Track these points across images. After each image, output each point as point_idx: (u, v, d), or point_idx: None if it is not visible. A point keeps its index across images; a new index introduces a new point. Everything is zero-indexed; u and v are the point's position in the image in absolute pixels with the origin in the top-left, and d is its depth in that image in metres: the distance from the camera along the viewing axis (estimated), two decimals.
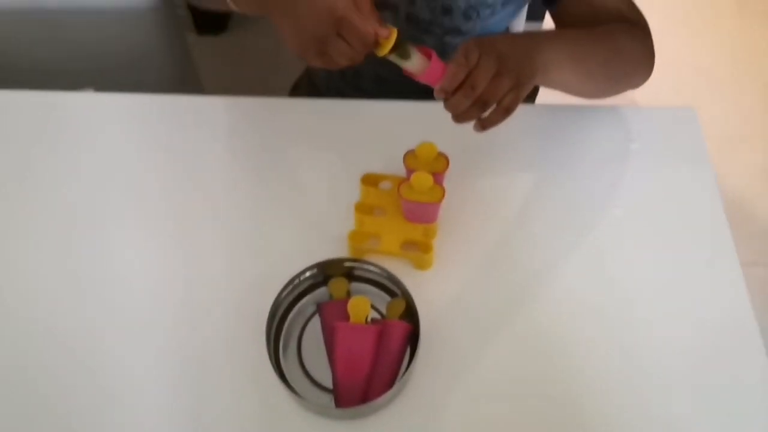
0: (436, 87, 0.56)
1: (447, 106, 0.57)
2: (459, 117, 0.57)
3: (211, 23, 1.92)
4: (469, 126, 0.60)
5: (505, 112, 0.57)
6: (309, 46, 0.55)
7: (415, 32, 0.80)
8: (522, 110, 0.61)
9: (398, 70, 0.59)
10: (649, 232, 0.71)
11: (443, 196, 0.65)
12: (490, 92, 0.55)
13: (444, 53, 0.59)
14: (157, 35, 1.10)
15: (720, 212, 0.72)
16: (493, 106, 0.57)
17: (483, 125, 0.59)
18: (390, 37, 0.55)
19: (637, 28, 0.73)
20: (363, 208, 0.69)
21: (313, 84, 1.03)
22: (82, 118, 0.83)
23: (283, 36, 0.57)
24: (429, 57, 0.57)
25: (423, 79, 0.58)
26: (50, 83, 0.87)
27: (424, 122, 0.75)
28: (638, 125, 0.82)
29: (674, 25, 1.99)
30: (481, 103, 0.56)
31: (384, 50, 0.56)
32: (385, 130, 0.80)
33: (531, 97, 1.04)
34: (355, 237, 0.67)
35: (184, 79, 1.23)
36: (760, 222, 1.60)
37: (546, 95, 1.00)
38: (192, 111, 0.84)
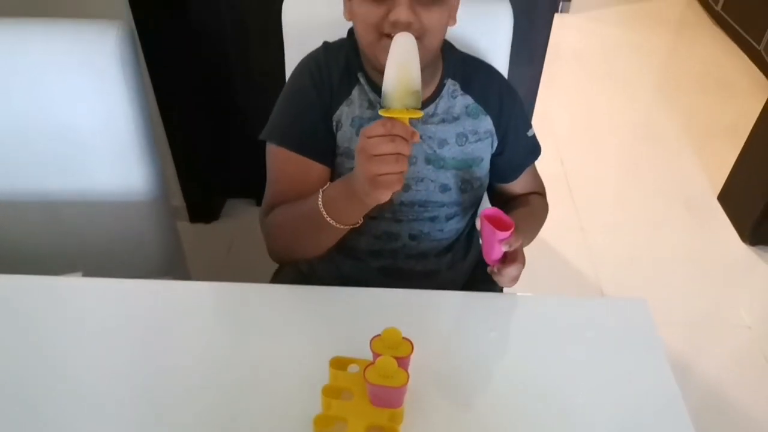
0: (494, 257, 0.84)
1: (502, 270, 0.85)
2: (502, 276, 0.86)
3: (205, 212, 2.07)
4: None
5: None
6: (373, 186, 0.72)
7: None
8: (486, 298, 0.85)
9: (392, 244, 0.83)
10: (605, 418, 0.72)
11: (407, 380, 0.67)
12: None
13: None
14: (152, 224, 1.19)
15: (678, 400, 0.74)
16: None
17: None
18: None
19: (543, 197, 1.10)
20: (330, 392, 0.70)
21: (295, 267, 1.10)
22: (69, 302, 0.87)
23: (369, 201, 0.76)
24: (510, 227, 0.81)
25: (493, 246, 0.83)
26: (41, 265, 0.92)
27: (393, 308, 0.82)
28: (594, 314, 0.87)
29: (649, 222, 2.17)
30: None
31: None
32: (357, 315, 0.85)
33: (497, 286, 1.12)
34: (320, 422, 0.67)
35: (172, 263, 1.30)
36: (727, 412, 1.59)
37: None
38: (176, 296, 0.89)
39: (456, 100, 0.95)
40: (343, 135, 0.93)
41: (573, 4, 3.63)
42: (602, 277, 1.93)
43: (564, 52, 3.21)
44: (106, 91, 1.02)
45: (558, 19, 2.41)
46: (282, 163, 0.93)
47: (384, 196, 0.73)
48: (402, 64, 0.73)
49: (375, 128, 0.71)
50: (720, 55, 3.27)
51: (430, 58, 0.88)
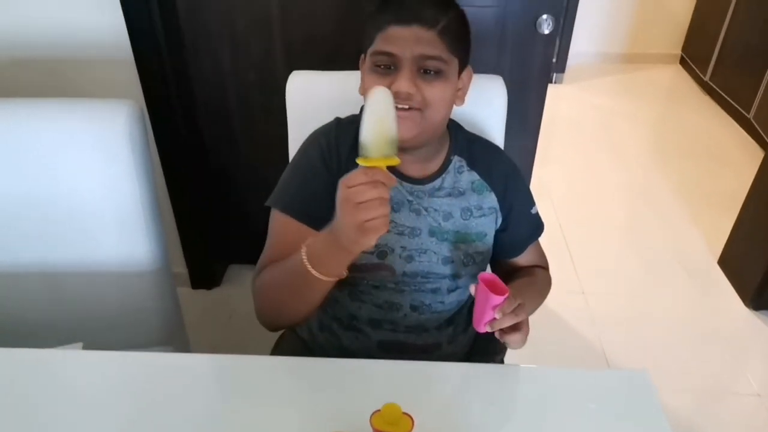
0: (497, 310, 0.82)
1: (497, 323, 0.82)
2: (500, 330, 0.84)
3: (207, 279, 2.08)
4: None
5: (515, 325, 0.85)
6: (361, 233, 0.72)
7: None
8: (487, 370, 0.86)
9: (393, 314, 0.88)
10: None
11: None
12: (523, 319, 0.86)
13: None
14: (154, 294, 1.20)
15: None
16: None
17: (503, 332, 0.85)
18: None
19: (546, 271, 1.11)
20: None
21: (297, 336, 1.11)
22: (69, 375, 0.87)
23: (355, 249, 0.77)
24: (504, 293, 0.82)
25: (485, 311, 0.83)
26: (41, 335, 0.92)
27: (394, 380, 0.81)
28: (596, 386, 0.87)
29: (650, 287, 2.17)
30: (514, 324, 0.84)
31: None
32: (357, 388, 0.84)
33: (500, 354, 1.11)
34: None
35: (172, 332, 1.30)
36: None
37: (511, 356, 1.08)
38: (176, 368, 0.89)
39: (462, 175, 0.99)
40: None
41: (566, 75, 3.76)
42: (605, 342, 1.91)
43: (559, 122, 3.31)
44: (114, 167, 1.06)
45: (552, 89, 2.51)
46: (282, 228, 0.95)
47: (372, 241, 0.74)
48: (379, 116, 0.74)
49: (356, 177, 0.72)
50: (710, 122, 3.37)
51: (432, 131, 0.91)
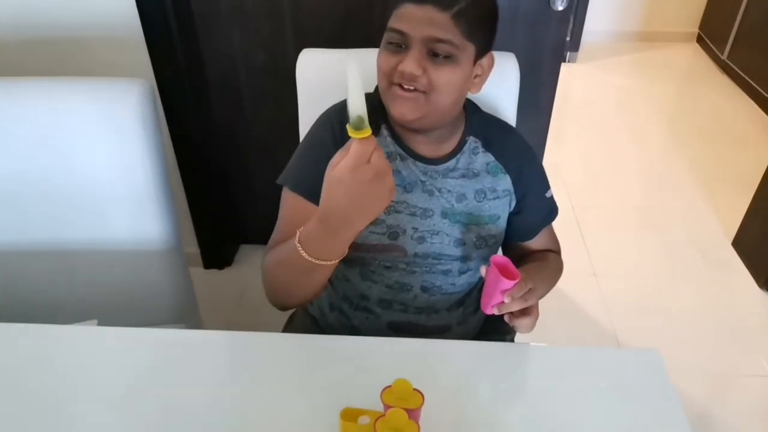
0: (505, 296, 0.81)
1: (505, 306, 0.82)
2: (508, 313, 0.83)
3: (219, 259, 2.09)
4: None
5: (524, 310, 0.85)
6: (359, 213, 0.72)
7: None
8: (497, 348, 0.88)
9: (403, 295, 0.96)
10: None
11: None
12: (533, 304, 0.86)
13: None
14: (167, 273, 1.22)
15: None
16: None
17: (512, 315, 0.85)
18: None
19: (558, 255, 1.10)
20: None
21: (307, 314, 1.11)
22: (84, 350, 0.89)
23: (349, 233, 0.75)
24: (516, 278, 0.81)
25: (494, 294, 0.83)
26: (56, 313, 0.93)
27: (404, 358, 0.82)
28: (607, 365, 0.86)
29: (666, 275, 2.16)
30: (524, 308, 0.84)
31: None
32: (367, 366, 0.85)
33: (510, 335, 1.12)
34: None
35: (185, 311, 1.31)
36: None
37: (521, 337, 1.08)
38: (189, 345, 0.90)
39: (477, 156, 0.97)
40: None
41: (580, 54, 3.71)
42: (617, 324, 1.91)
43: (572, 102, 3.27)
44: (126, 146, 1.07)
45: (565, 68, 2.47)
46: (292, 208, 0.94)
47: (370, 219, 0.72)
48: (360, 86, 0.67)
49: (356, 154, 0.68)
50: (728, 102, 3.31)
51: (439, 116, 0.89)
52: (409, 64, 0.83)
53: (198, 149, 1.82)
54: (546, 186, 1.04)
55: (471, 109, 1.00)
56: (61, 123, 1.06)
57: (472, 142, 0.97)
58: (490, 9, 0.87)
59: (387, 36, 0.87)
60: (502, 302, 0.81)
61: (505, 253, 1.09)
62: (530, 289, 0.83)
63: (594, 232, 2.30)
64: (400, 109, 0.86)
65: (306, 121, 1.13)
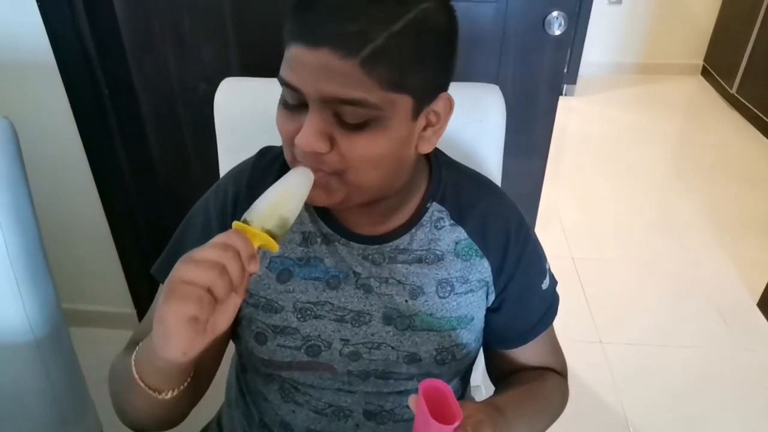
0: None
1: None
2: None
3: None
4: None
5: None
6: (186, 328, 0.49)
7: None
8: None
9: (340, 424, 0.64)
10: None
11: None
12: None
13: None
14: (37, 371, 0.91)
15: None
16: None
17: None
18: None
19: (562, 377, 0.80)
20: None
21: (221, 429, 0.82)
22: None
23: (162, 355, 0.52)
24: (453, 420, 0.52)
25: None
26: None
27: None
28: None
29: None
30: None
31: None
32: None
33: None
34: None
35: (77, 412, 1.01)
36: None
37: None
38: None
39: (441, 232, 0.68)
40: (257, 281, 0.66)
41: (577, 87, 3.49)
42: (625, 400, 1.61)
43: (569, 138, 3.02)
44: None
45: (562, 102, 2.23)
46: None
47: (177, 347, 0.50)
48: (287, 193, 0.56)
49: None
50: (738, 139, 3.06)
51: (369, 194, 0.61)
52: (306, 138, 0.54)
53: (127, 195, 1.54)
54: (542, 273, 0.73)
55: (437, 160, 0.71)
56: None
57: (435, 211, 0.68)
58: (430, 36, 0.55)
59: (282, 90, 0.58)
60: None
61: (487, 364, 0.79)
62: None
63: (598, 291, 2.00)
64: (310, 193, 0.58)
65: (226, 163, 0.88)
